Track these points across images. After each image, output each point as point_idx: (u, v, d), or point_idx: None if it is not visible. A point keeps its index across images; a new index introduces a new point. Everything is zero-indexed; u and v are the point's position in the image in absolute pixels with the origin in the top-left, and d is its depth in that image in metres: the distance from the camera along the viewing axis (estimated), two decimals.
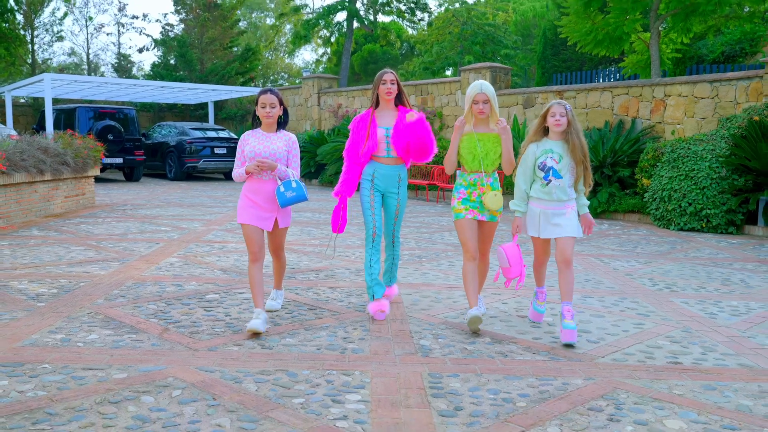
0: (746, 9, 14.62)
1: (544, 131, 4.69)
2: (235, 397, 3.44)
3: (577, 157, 4.55)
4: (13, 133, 15.52)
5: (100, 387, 3.54)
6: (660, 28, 14.85)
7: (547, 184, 4.59)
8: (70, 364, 3.88)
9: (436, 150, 5.13)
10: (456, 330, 4.79)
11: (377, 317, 4.98)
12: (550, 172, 4.57)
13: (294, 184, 4.57)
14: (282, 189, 4.54)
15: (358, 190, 5.12)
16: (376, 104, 5.11)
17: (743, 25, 16.78)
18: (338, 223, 5.06)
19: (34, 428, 3.02)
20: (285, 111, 4.83)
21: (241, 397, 3.44)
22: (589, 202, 4.80)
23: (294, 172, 4.72)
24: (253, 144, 4.69)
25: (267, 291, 5.48)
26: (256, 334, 4.49)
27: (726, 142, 10.35)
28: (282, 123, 4.83)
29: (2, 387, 3.51)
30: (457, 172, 4.92)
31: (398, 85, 5.05)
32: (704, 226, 10.15)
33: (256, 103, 4.71)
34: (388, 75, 5.05)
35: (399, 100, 5.12)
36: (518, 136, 13.14)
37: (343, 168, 5.12)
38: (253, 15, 39.95)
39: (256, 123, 4.84)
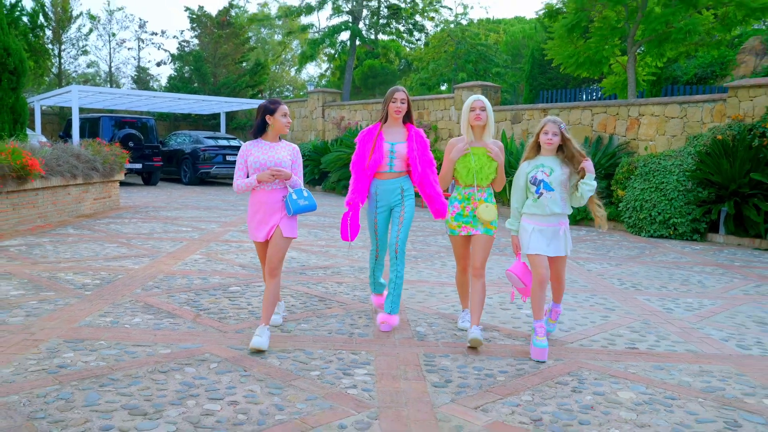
0: (715, 37, 15.09)
1: (538, 149, 4.47)
2: (263, 370, 3.88)
3: (575, 168, 4.36)
4: (43, 139, 15.94)
5: (150, 360, 3.98)
6: (636, 53, 15.32)
7: (539, 197, 4.33)
8: (121, 341, 4.32)
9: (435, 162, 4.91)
10: (447, 320, 5.23)
11: (382, 328, 4.77)
12: (541, 185, 4.32)
13: (305, 193, 4.39)
14: (294, 197, 4.34)
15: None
16: (385, 119, 4.86)
17: (712, 51, 17.28)
18: (347, 231, 4.78)
19: (101, 390, 3.47)
20: None
21: (268, 370, 3.89)
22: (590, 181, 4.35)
23: (300, 181, 4.52)
24: (257, 155, 4.39)
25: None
26: (258, 352, 4.21)
27: (692, 158, 10.78)
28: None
29: (69, 358, 3.96)
30: (453, 186, 4.81)
31: (408, 103, 4.81)
32: (672, 233, 10.59)
33: (273, 113, 4.44)
34: (400, 93, 4.79)
35: (407, 118, 4.89)
36: (506, 148, 13.58)
37: (351, 180, 4.89)
38: (263, 31, 40.38)
39: (259, 133, 4.50)
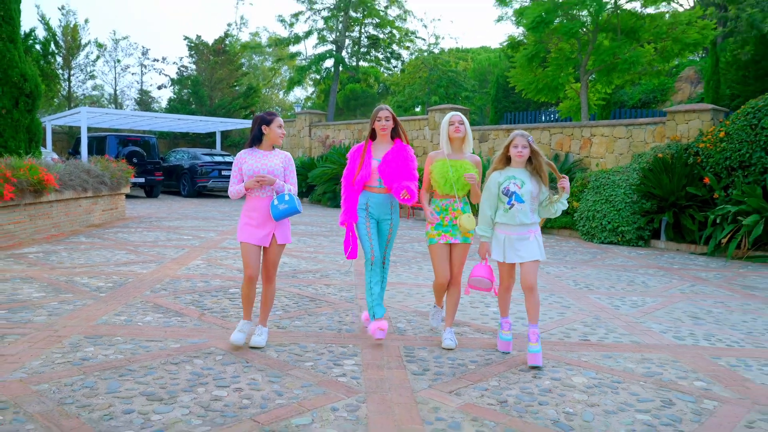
0: (655, 67, 15.52)
1: (507, 161, 4.28)
2: (263, 361, 3.99)
3: (545, 182, 4.22)
4: (55, 156, 15.86)
5: (162, 353, 4.07)
6: (588, 81, 15.69)
7: (510, 208, 4.16)
8: (136, 337, 4.41)
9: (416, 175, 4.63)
10: (424, 317, 5.37)
11: (377, 335, 4.41)
12: (513, 196, 4.15)
13: (287, 197, 4.18)
14: (276, 202, 4.17)
15: None
16: (373, 137, 4.62)
17: (653, 80, 17.74)
18: (348, 249, 4.57)
19: (121, 379, 3.56)
20: None
21: (267, 361, 4.00)
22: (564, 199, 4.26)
23: (291, 187, 4.32)
24: (251, 162, 4.25)
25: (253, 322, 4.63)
26: (236, 348, 4.17)
27: (637, 174, 11.07)
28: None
29: (90, 352, 4.04)
30: (431, 198, 4.60)
31: (394, 119, 4.56)
32: (620, 240, 10.85)
33: (270, 123, 4.30)
34: (384, 112, 4.54)
35: (395, 133, 4.61)
36: None
37: (342, 196, 4.67)
38: (254, 58, 40.38)
39: (255, 142, 4.37)
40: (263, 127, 4.30)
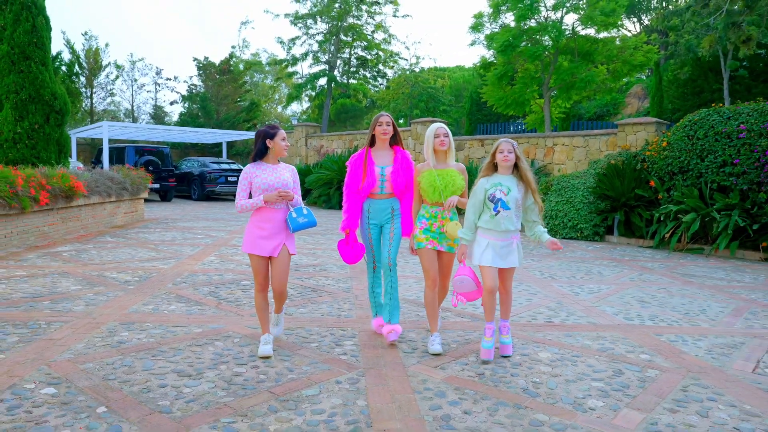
0: (608, 85, 15.81)
1: (494, 167, 3.93)
2: (274, 343, 4.11)
3: (532, 187, 3.86)
4: (80, 165, 15.79)
5: (187, 336, 4.19)
6: (550, 96, 15.94)
7: (496, 215, 3.82)
8: (163, 324, 4.51)
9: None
10: (411, 303, 5.49)
11: (379, 331, 4.29)
12: (499, 203, 3.81)
13: (305, 211, 3.87)
14: (294, 215, 3.83)
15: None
16: (372, 143, 4.25)
17: (606, 96, 18.03)
18: (348, 255, 4.25)
19: (154, 359, 3.68)
20: None
21: (278, 343, 4.11)
22: (546, 229, 4.03)
23: (299, 199, 4.01)
24: (263, 176, 3.84)
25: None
26: (265, 358, 3.76)
27: (593, 178, 11.26)
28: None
29: (126, 336, 4.15)
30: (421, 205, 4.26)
31: (393, 126, 4.21)
32: (579, 235, 11.05)
33: (273, 137, 3.91)
34: (385, 117, 4.20)
35: (394, 140, 4.27)
36: None
37: (344, 203, 4.28)
38: (256, 76, 40.28)
39: (260, 156, 3.94)
40: (268, 141, 3.90)
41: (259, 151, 3.91)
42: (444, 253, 4.17)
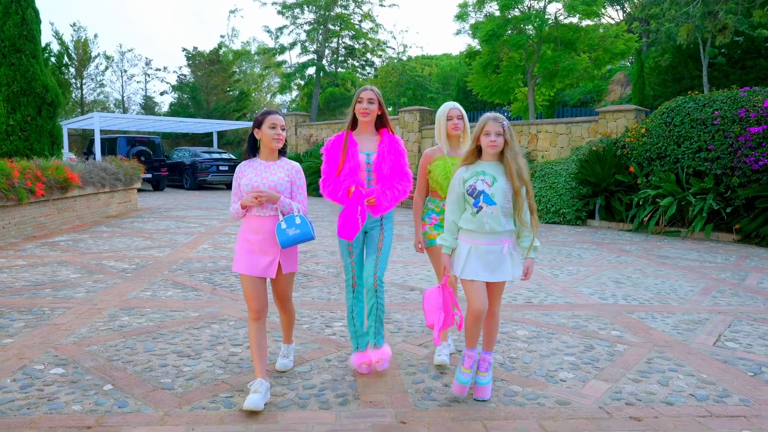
0: (590, 73, 16.00)
1: (478, 153, 2.97)
2: (268, 325, 4.26)
3: (515, 184, 2.84)
4: (72, 156, 15.79)
5: (185, 320, 4.36)
6: (534, 85, 16.11)
7: (477, 212, 2.87)
8: (162, 308, 4.68)
9: (411, 175, 3.36)
10: (398, 287, 5.66)
11: (360, 370, 3.29)
12: (481, 197, 2.87)
13: (298, 220, 2.96)
14: (283, 225, 2.94)
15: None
16: (353, 125, 3.32)
17: (589, 84, 18.23)
18: (348, 224, 3.23)
19: (154, 341, 3.85)
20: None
21: (271, 325, 4.28)
22: (538, 244, 2.98)
23: (300, 205, 3.06)
24: (250, 176, 3.03)
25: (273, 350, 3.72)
26: (253, 414, 2.80)
27: (575, 164, 11.49)
28: (282, 150, 3.14)
29: (126, 320, 4.31)
30: (428, 198, 3.60)
31: (380, 104, 3.25)
32: (561, 220, 11.29)
33: (260, 125, 3.04)
34: (367, 92, 3.22)
35: (381, 123, 3.33)
36: None
37: (326, 191, 3.29)
38: (245, 64, 40.02)
39: (251, 152, 3.13)
40: (255, 132, 3.08)
41: (249, 146, 3.14)
42: None
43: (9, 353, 3.55)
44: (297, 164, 3.14)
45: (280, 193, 3.01)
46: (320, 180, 3.33)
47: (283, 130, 3.07)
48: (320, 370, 3.40)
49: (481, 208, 2.89)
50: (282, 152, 3.13)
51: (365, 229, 3.34)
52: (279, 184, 3.03)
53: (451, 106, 3.45)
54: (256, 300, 3.02)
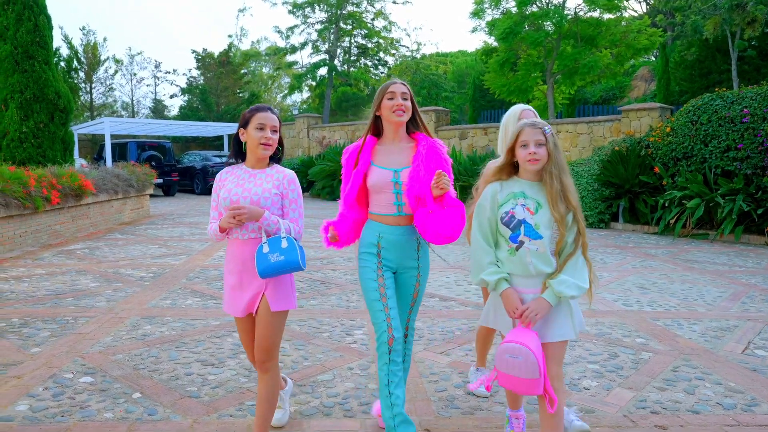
0: (612, 70, 16.02)
1: (513, 167, 2.36)
2: (288, 333, 4.44)
3: (555, 211, 2.22)
4: (84, 162, 16.17)
5: (206, 329, 4.53)
6: (554, 83, 16.16)
7: (518, 248, 2.26)
8: (182, 317, 4.85)
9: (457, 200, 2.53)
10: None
11: None
12: (521, 228, 2.25)
13: (284, 243, 2.38)
14: (265, 249, 2.37)
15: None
16: (375, 130, 2.68)
17: (612, 80, 18.21)
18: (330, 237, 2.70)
19: (178, 350, 4.03)
20: (281, 141, 2.60)
21: (291, 333, 4.45)
22: (574, 291, 2.22)
23: (291, 225, 2.48)
24: (230, 186, 2.50)
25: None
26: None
27: (597, 165, 11.50)
28: (276, 157, 2.61)
29: (149, 329, 4.49)
30: None
31: (412, 101, 2.62)
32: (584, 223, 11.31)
33: (246, 125, 2.51)
34: (397, 86, 2.59)
35: (413, 125, 2.67)
36: (457, 160, 13.79)
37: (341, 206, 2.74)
38: (252, 65, 40.54)
39: (236, 156, 2.62)
40: (240, 132, 2.56)
41: (234, 150, 2.63)
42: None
43: (38, 362, 3.74)
44: (291, 173, 2.56)
45: (264, 209, 2.43)
46: (341, 200, 2.75)
47: (275, 132, 2.52)
48: (343, 379, 3.54)
49: (521, 243, 2.25)
50: (275, 158, 2.61)
51: (396, 269, 2.67)
52: (264, 197, 2.46)
53: (523, 108, 2.93)
54: (247, 343, 2.59)
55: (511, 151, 2.34)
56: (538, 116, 2.80)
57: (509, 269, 2.30)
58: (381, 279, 2.62)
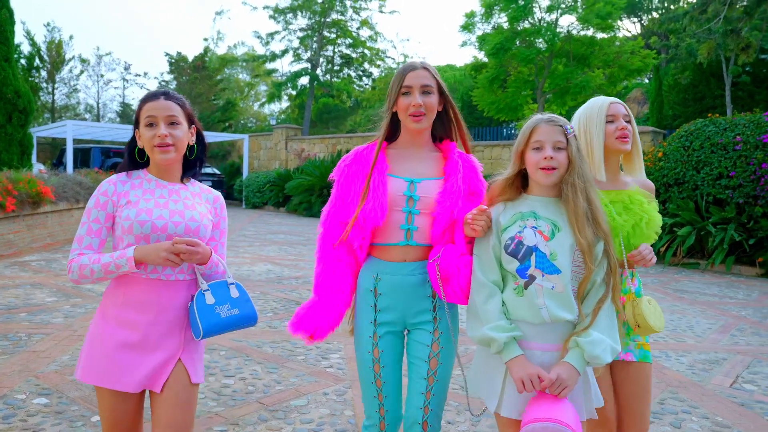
0: (604, 91, 16.43)
1: (521, 181, 1.89)
2: (261, 355, 4.45)
3: (586, 237, 1.72)
4: (42, 167, 15.97)
5: None
6: (544, 102, 16.49)
7: (526, 285, 1.75)
8: None
9: None
10: None
11: None
12: (532, 257, 1.75)
13: (235, 291, 1.93)
14: (209, 300, 1.87)
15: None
16: (390, 132, 2.07)
17: None
18: (305, 323, 2.12)
19: None
20: (200, 138, 2.03)
21: (264, 356, 4.46)
22: (601, 354, 1.67)
23: (223, 261, 1.98)
24: (142, 205, 1.86)
25: None
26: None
27: None
28: (193, 163, 2.03)
29: None
30: None
31: (441, 93, 2.02)
32: None
33: (137, 124, 1.93)
34: (417, 73, 1.96)
35: (443, 129, 2.08)
36: None
37: (317, 261, 2.08)
38: (226, 71, 40.62)
39: (132, 161, 1.99)
40: (136, 136, 1.97)
41: (126, 161, 2.01)
42: (635, 364, 2.17)
43: None
44: (219, 194, 2.08)
45: (202, 240, 1.91)
46: (321, 224, 2.07)
47: (175, 125, 1.88)
48: (318, 404, 3.56)
49: (531, 278, 1.75)
50: (192, 170, 2.02)
51: (406, 323, 1.99)
52: (204, 225, 1.93)
53: (611, 101, 2.16)
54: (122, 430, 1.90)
55: (520, 155, 1.85)
56: (630, 112, 2.18)
57: (513, 315, 1.76)
58: (376, 350, 1.97)
